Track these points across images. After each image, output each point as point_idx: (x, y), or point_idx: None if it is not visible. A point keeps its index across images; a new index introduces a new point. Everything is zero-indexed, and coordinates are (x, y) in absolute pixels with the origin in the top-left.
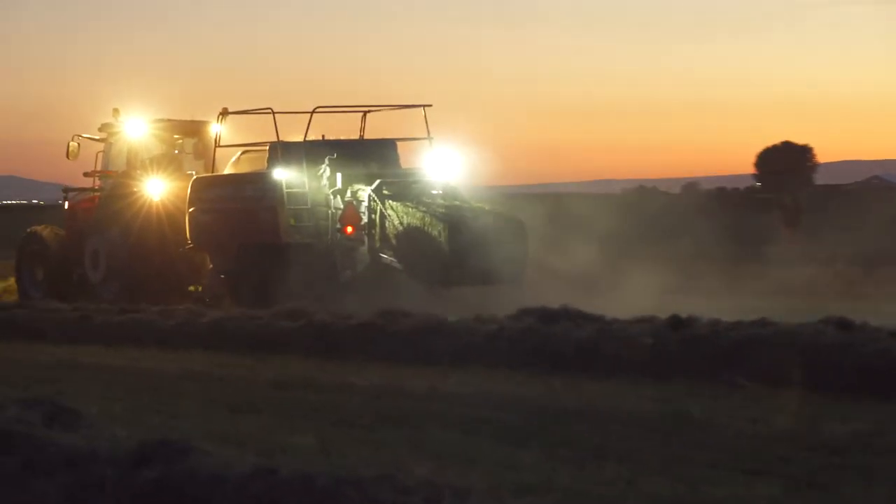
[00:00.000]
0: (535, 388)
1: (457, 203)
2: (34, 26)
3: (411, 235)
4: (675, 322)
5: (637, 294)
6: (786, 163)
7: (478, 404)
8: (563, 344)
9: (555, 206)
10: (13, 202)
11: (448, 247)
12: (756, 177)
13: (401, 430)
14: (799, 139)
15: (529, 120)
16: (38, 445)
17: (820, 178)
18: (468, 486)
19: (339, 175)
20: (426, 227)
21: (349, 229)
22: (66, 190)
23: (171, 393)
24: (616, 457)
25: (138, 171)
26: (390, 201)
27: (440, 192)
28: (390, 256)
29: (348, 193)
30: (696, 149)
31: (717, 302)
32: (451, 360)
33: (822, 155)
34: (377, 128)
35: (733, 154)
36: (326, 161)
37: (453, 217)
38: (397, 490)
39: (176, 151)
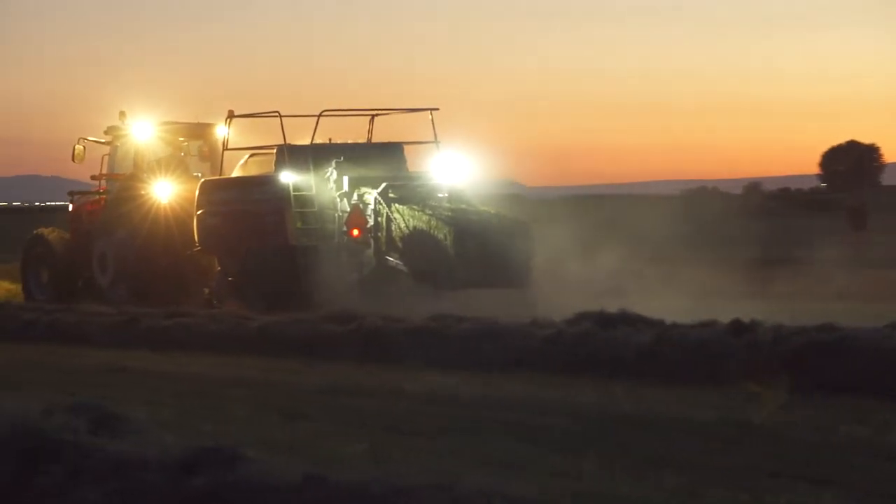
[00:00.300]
0: (593, 395)
1: (463, 206)
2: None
3: (417, 238)
4: (737, 327)
5: (673, 297)
6: (851, 163)
7: (533, 411)
8: (621, 349)
9: (610, 209)
10: (58, 203)
11: (454, 250)
12: (821, 177)
13: (454, 437)
14: (865, 138)
15: (589, 120)
16: (85, 452)
17: (887, 179)
18: (523, 496)
19: (345, 178)
20: (432, 231)
21: (355, 232)
22: (72, 193)
23: (220, 399)
24: (676, 465)
25: (145, 174)
26: (396, 204)
27: (446, 195)
28: (396, 259)
29: (355, 196)
30: (759, 148)
31: (779, 305)
32: (506, 365)
33: (890, 154)
34: (385, 131)
35: (798, 153)
36: (333, 164)
37: (459, 220)
38: (451, 499)
39: (182, 154)
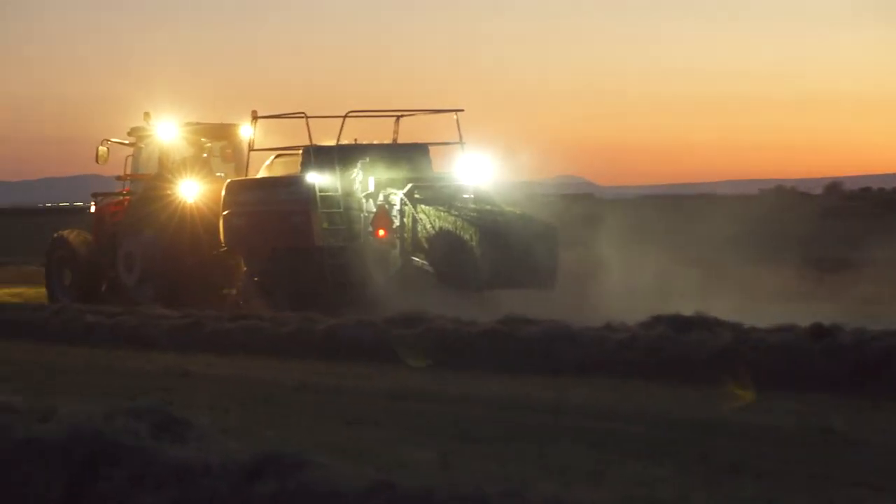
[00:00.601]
0: (668, 400)
1: (488, 207)
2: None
3: (443, 239)
4: (817, 331)
5: (748, 300)
6: None
7: (607, 417)
8: (697, 353)
9: (686, 208)
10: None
11: (480, 251)
12: None
13: (526, 443)
14: None
15: (669, 118)
16: (147, 458)
17: None
18: None
19: (371, 179)
20: (458, 231)
21: (381, 233)
22: (96, 194)
23: (286, 404)
24: (754, 473)
25: (170, 174)
26: (422, 205)
27: (472, 196)
28: (422, 260)
29: (380, 197)
30: (840, 146)
31: (858, 309)
32: (579, 369)
33: None
34: (410, 132)
35: (881, 151)
36: (359, 165)
37: (485, 221)
38: None
39: (205, 155)
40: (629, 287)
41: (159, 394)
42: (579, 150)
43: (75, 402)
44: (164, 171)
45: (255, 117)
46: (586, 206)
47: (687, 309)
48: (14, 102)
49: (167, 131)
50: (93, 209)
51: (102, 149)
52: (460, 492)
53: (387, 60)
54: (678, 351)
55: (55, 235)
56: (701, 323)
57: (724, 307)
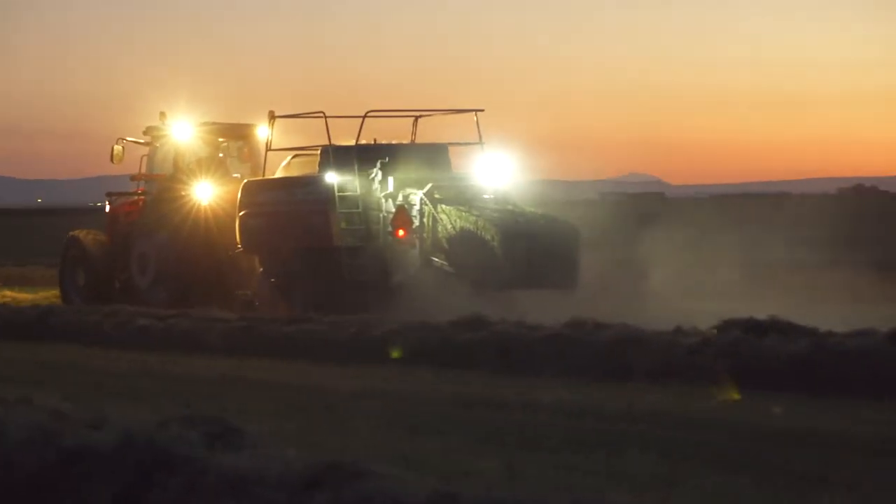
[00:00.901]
0: (744, 407)
1: (510, 208)
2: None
3: (464, 240)
4: None
5: (823, 303)
6: None
7: (680, 425)
8: (773, 359)
9: (759, 208)
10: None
11: (501, 251)
12: None
13: (594, 452)
14: None
15: (743, 115)
16: (201, 467)
17: None
18: None
19: (390, 179)
20: (479, 232)
21: (401, 233)
22: (110, 194)
23: (344, 411)
24: (837, 485)
25: (185, 175)
26: (442, 205)
27: (492, 196)
28: (442, 260)
29: (400, 197)
30: None
31: None
32: (649, 375)
33: None
34: (429, 132)
35: None
36: (378, 165)
37: (507, 222)
38: None
39: (221, 155)
40: (696, 288)
41: (214, 401)
42: (650, 147)
43: (127, 409)
44: (178, 171)
45: (272, 117)
46: (654, 204)
47: (757, 311)
48: (77, 99)
49: (182, 131)
50: (108, 209)
51: (118, 148)
52: (526, 502)
53: (425, 59)
54: (753, 356)
55: (68, 236)
56: (776, 327)
57: (797, 311)
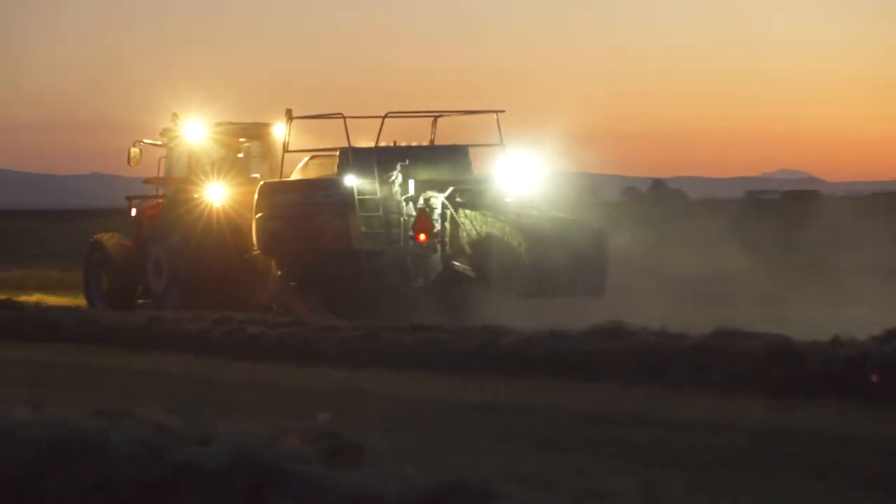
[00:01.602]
0: None
1: (535, 212)
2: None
3: (488, 244)
4: None
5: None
6: None
7: (836, 444)
8: None
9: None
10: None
11: (529, 257)
12: None
13: (741, 473)
14: None
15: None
16: (316, 485)
17: None
18: None
19: (411, 181)
20: (505, 237)
21: (422, 237)
22: (130, 197)
23: (468, 426)
24: None
25: (200, 177)
26: (464, 209)
27: (514, 199)
28: (463, 265)
29: (421, 200)
30: None
31: None
32: (802, 389)
33: None
34: (448, 133)
35: None
36: (398, 167)
37: (534, 227)
38: None
39: (240, 155)
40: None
41: (330, 414)
42: (804, 142)
43: (237, 423)
44: (192, 173)
45: (290, 117)
46: (809, 204)
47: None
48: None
49: (195, 132)
50: (133, 213)
51: (135, 150)
52: None
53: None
54: None
55: (92, 240)
56: None
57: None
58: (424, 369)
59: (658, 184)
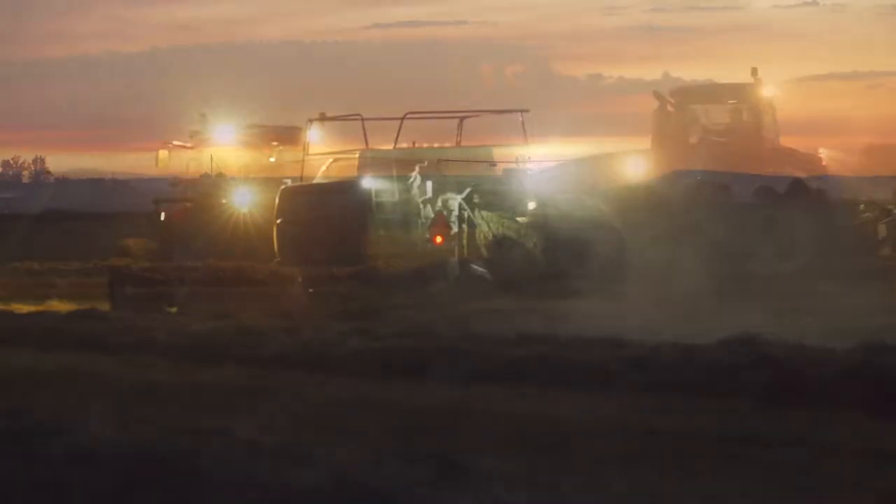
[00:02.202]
0: None
1: (551, 212)
2: None
3: (504, 245)
4: None
5: None
6: None
7: None
8: None
9: None
10: None
11: (544, 258)
12: None
13: None
14: None
15: None
16: None
17: None
18: None
19: (429, 183)
20: (520, 238)
21: (438, 239)
22: (157, 201)
23: (584, 447)
24: None
25: (226, 180)
26: (482, 211)
27: (534, 200)
28: (481, 267)
29: (439, 203)
30: None
31: None
32: None
33: None
34: (472, 133)
35: None
36: (417, 169)
37: (549, 227)
38: None
39: (272, 159)
40: None
41: (436, 434)
42: None
43: (337, 443)
44: (220, 176)
45: (321, 119)
46: None
47: None
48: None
49: (223, 134)
50: (162, 217)
51: (163, 152)
52: None
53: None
54: None
55: (119, 244)
56: None
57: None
58: (537, 384)
59: (797, 183)
